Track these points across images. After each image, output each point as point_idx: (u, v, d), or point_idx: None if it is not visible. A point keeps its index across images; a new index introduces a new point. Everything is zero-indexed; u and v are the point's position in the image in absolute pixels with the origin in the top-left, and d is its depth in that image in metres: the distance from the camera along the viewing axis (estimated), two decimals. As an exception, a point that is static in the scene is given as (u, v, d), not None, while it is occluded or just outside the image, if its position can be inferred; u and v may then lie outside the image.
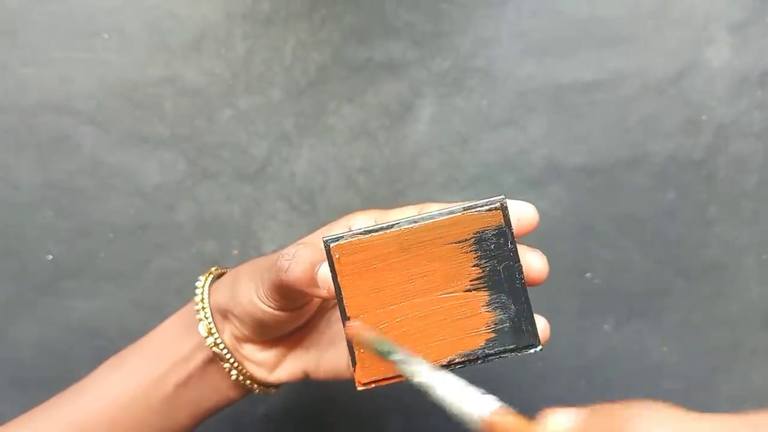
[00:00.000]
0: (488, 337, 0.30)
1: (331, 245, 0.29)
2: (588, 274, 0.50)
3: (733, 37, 0.49)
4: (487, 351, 0.29)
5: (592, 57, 0.49)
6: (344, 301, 0.29)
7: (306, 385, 0.40)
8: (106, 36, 0.49)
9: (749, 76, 0.49)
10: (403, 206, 0.34)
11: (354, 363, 0.29)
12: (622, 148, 0.49)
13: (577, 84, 0.49)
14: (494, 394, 0.29)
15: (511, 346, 0.30)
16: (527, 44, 0.49)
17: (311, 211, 0.49)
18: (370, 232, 0.29)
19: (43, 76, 0.48)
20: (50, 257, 0.49)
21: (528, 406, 0.23)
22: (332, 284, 0.29)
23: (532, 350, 0.30)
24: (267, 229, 0.49)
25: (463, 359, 0.30)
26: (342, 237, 0.29)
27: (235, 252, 0.49)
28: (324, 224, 0.49)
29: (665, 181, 0.49)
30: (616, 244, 0.49)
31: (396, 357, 0.27)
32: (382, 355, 0.27)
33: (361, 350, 0.29)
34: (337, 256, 0.29)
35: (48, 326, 0.49)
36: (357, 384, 0.30)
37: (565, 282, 0.49)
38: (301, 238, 0.49)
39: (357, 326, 0.29)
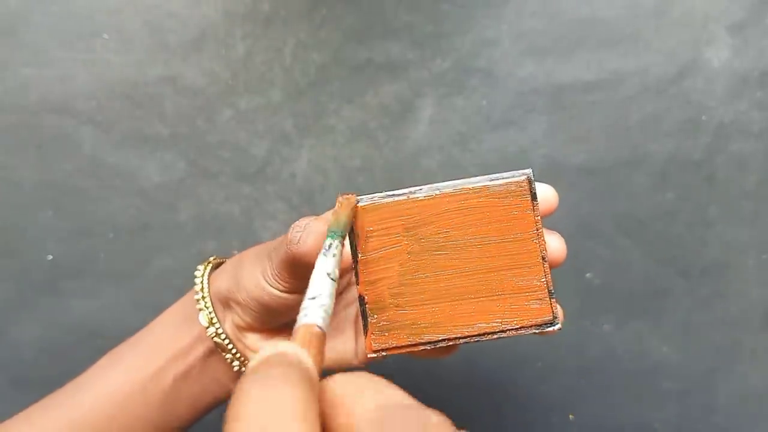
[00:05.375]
0: (509, 313, 0.30)
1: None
2: (588, 274, 0.50)
3: (733, 37, 0.49)
4: (504, 327, 0.29)
5: (592, 57, 0.49)
6: (359, 265, 0.29)
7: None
8: (106, 36, 0.49)
9: (749, 76, 0.49)
10: None
11: (366, 329, 0.30)
12: (622, 148, 0.49)
13: (577, 84, 0.49)
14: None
15: (529, 323, 0.30)
16: (527, 44, 0.49)
17: (311, 211, 0.49)
18: (393, 196, 0.30)
19: (44, 76, 0.48)
20: (50, 257, 0.49)
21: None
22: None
23: (551, 328, 0.30)
24: (267, 229, 0.49)
25: (483, 331, 0.29)
26: (363, 199, 0.29)
27: (235, 252, 0.49)
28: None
29: (665, 181, 0.49)
30: (616, 244, 0.49)
31: (328, 240, 0.26)
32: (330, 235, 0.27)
33: (375, 317, 0.30)
34: (358, 219, 0.29)
35: (48, 326, 0.49)
36: (367, 350, 0.30)
37: (565, 282, 0.49)
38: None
39: (348, 199, 0.29)
